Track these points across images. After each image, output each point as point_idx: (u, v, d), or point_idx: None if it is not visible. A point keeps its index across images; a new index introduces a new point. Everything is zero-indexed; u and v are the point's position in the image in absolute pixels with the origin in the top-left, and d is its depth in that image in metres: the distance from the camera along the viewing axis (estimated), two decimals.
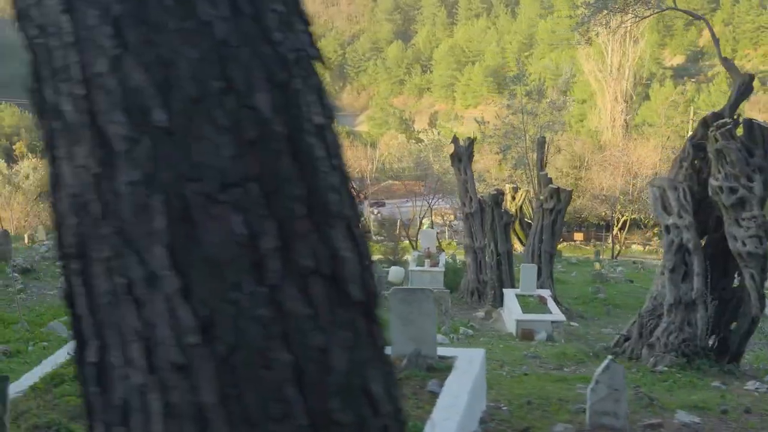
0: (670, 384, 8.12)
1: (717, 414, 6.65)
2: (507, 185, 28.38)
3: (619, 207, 39.23)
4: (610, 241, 41.48)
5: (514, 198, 27.89)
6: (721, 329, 9.64)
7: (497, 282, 17.84)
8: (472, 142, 19.44)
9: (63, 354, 6.37)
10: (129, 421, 1.52)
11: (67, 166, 1.58)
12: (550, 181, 19.43)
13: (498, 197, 18.26)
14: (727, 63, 12.30)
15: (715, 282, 9.59)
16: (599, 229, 45.61)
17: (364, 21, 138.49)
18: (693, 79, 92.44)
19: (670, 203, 9.91)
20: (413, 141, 58.90)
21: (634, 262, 32.02)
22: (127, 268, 1.51)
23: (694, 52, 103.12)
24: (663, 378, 8.49)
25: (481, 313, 16.68)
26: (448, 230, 44.05)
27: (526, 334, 13.74)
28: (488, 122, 39.16)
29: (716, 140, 9.38)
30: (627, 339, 10.25)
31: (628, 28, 30.44)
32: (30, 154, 50.66)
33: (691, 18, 64.99)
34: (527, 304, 15.02)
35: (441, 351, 6.78)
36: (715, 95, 72.62)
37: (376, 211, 43.44)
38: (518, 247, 25.96)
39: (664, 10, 18.81)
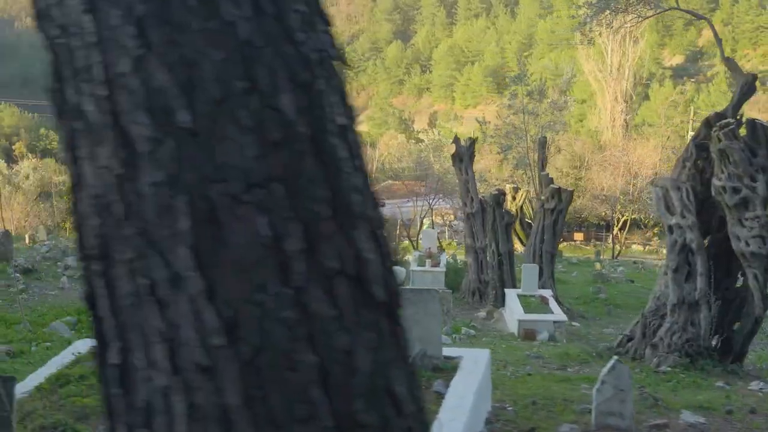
0: (674, 384, 8.12)
1: (722, 414, 6.65)
2: (507, 185, 28.36)
3: (619, 207, 39.25)
4: (610, 241, 41.50)
5: (514, 198, 27.87)
6: (725, 329, 9.64)
7: (498, 282, 17.83)
8: (473, 142, 19.44)
9: (68, 355, 6.36)
10: (152, 422, 1.52)
11: (89, 167, 1.58)
12: (551, 181, 19.43)
13: (499, 197, 18.26)
14: (730, 63, 12.31)
15: (718, 282, 9.59)
16: (599, 229, 45.65)
17: (363, 21, 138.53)
18: (692, 79, 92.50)
19: (673, 203, 9.92)
20: (413, 141, 58.90)
21: (634, 262, 32.04)
22: (150, 269, 1.50)
23: (694, 52, 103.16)
24: (667, 378, 8.49)
25: (482, 313, 16.68)
26: (448, 230, 44.06)
27: (528, 334, 13.74)
28: (489, 122, 39.16)
29: (719, 140, 9.38)
30: (630, 339, 10.25)
31: (629, 28, 30.49)
32: (30, 155, 50.70)
33: (690, 18, 65.01)
34: (529, 304, 15.02)
35: (446, 351, 6.78)
36: (715, 95, 72.67)
37: None
38: (518, 247, 25.96)
39: (667, 10, 18.82)
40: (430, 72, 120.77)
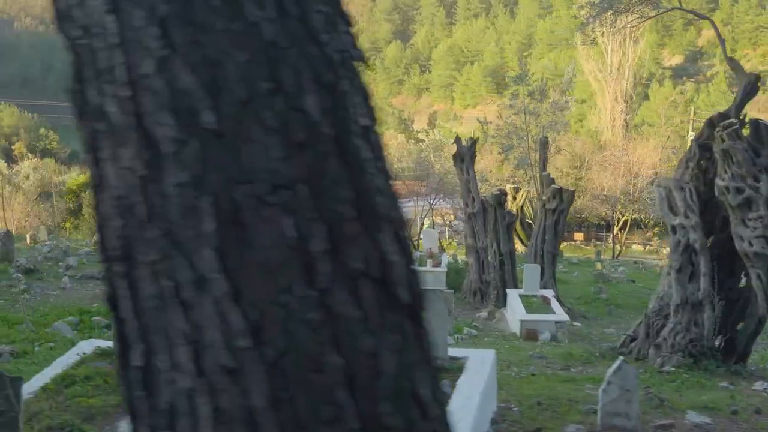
0: (678, 384, 8.12)
1: (727, 415, 6.64)
2: (508, 185, 28.38)
3: (619, 207, 39.25)
4: (610, 241, 41.50)
5: (514, 198, 27.91)
6: (728, 330, 9.64)
7: (500, 282, 17.83)
8: (474, 142, 19.44)
9: (73, 355, 6.35)
10: (176, 425, 1.51)
11: (112, 168, 1.57)
12: (552, 181, 19.43)
13: (500, 197, 18.25)
14: (733, 63, 12.31)
15: (721, 282, 9.59)
16: (599, 229, 45.67)
17: (362, 21, 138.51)
18: (692, 79, 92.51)
19: (677, 203, 9.91)
20: (413, 141, 58.91)
21: (635, 262, 32.05)
22: (174, 270, 1.49)
23: (693, 52, 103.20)
24: (670, 378, 8.48)
25: (484, 314, 16.67)
26: (448, 230, 44.06)
27: (530, 334, 13.73)
28: (491, 122, 39.16)
29: (723, 140, 9.37)
30: (633, 339, 10.24)
31: (632, 28, 30.50)
32: (29, 155, 50.67)
33: (690, 18, 65.00)
34: (531, 304, 15.02)
35: (451, 351, 6.78)
36: (715, 95, 72.75)
37: None
38: (519, 247, 25.96)
39: (670, 10, 18.81)
40: (430, 72, 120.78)
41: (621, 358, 6.25)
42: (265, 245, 1.47)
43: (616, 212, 39.46)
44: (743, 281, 9.92)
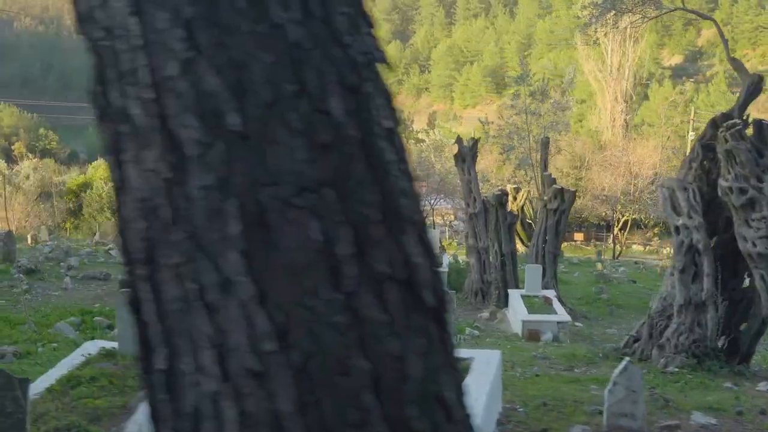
0: (682, 385, 8.11)
1: (732, 415, 6.63)
2: (508, 185, 28.37)
3: (619, 207, 39.25)
4: (610, 241, 41.50)
5: (515, 198, 27.89)
6: (731, 330, 9.63)
7: (501, 282, 17.82)
8: (476, 142, 19.43)
9: (78, 356, 6.34)
10: (201, 428, 1.50)
11: (135, 170, 1.56)
12: (554, 181, 19.42)
13: (502, 197, 18.24)
14: (736, 63, 12.30)
15: (725, 283, 9.57)
16: (599, 229, 45.68)
17: None
18: (691, 79, 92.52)
19: (680, 204, 9.90)
20: (412, 141, 58.88)
21: (635, 263, 32.05)
22: (199, 273, 1.49)
23: (693, 52, 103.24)
24: (674, 379, 8.48)
25: (485, 314, 16.66)
26: (448, 230, 44.07)
27: (532, 334, 13.72)
28: (492, 122, 39.14)
29: (726, 141, 9.36)
30: (636, 340, 10.23)
31: (635, 29, 30.52)
32: (29, 155, 50.63)
33: (689, 18, 65.01)
34: (532, 304, 15.01)
35: (457, 352, 6.76)
36: (714, 95, 72.77)
37: None
38: (519, 247, 25.95)
39: (673, 11, 18.80)
40: (429, 72, 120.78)
41: (627, 358, 6.24)
42: (291, 248, 1.46)
43: (616, 212, 39.46)
44: (746, 282, 9.92)
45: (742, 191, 9.17)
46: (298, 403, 1.44)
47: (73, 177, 45.87)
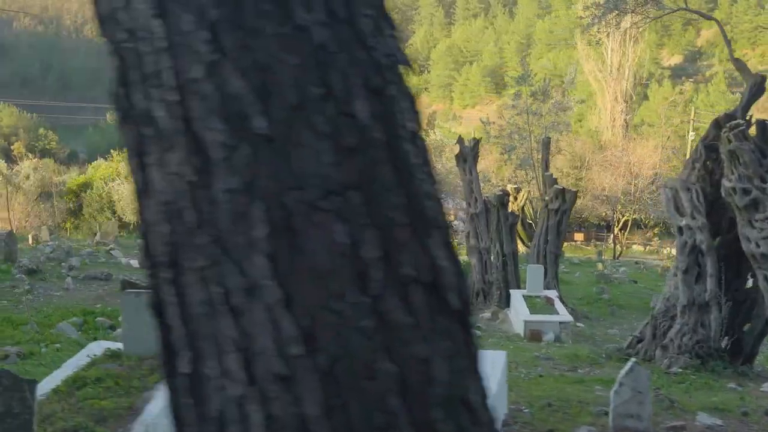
0: (687, 386, 8.11)
1: (738, 416, 6.64)
2: (509, 185, 28.38)
3: (619, 207, 39.26)
4: (610, 241, 41.52)
5: (515, 198, 27.89)
6: (735, 331, 9.63)
7: (503, 283, 17.81)
8: (477, 142, 19.42)
9: (83, 357, 6.34)
10: None
11: (158, 173, 1.55)
12: (555, 181, 19.43)
13: (503, 198, 18.24)
14: (739, 64, 12.30)
15: (728, 283, 9.57)
16: (599, 229, 45.72)
17: None
18: (691, 79, 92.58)
19: (683, 204, 9.90)
20: None
21: (636, 263, 32.06)
22: (224, 277, 1.48)
23: (692, 52, 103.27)
24: (678, 379, 8.48)
25: (487, 314, 16.66)
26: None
27: (533, 335, 13.72)
28: (493, 123, 39.13)
29: (729, 141, 9.36)
30: (640, 340, 10.23)
31: (639, 29, 30.51)
32: (29, 155, 50.59)
33: (689, 18, 65.03)
34: (534, 304, 15.00)
35: None
36: (714, 95, 72.79)
37: None
38: (520, 247, 25.95)
39: (676, 11, 18.80)
40: (429, 72, 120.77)
41: (633, 359, 6.24)
42: (317, 251, 1.45)
43: (616, 212, 39.48)
44: (750, 282, 9.92)
45: (746, 192, 9.17)
46: (325, 406, 1.43)
47: (73, 177, 45.86)
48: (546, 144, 22.41)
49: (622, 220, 40.16)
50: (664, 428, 6.10)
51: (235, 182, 1.46)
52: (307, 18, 1.51)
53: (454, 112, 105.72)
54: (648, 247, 42.86)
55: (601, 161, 42.35)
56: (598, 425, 6.09)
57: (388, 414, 1.44)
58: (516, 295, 16.00)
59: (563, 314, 14.71)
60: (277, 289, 1.44)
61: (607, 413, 6.18)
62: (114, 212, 39.14)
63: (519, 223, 25.61)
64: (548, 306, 15.09)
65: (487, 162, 41.57)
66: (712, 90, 77.87)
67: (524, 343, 12.88)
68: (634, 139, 49.33)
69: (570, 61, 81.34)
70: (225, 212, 1.47)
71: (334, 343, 1.44)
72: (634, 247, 43.48)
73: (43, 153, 60.64)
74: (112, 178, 41.04)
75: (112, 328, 11.55)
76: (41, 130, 73.20)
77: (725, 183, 9.42)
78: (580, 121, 68.69)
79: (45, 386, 5.64)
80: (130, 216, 38.17)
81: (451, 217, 45.45)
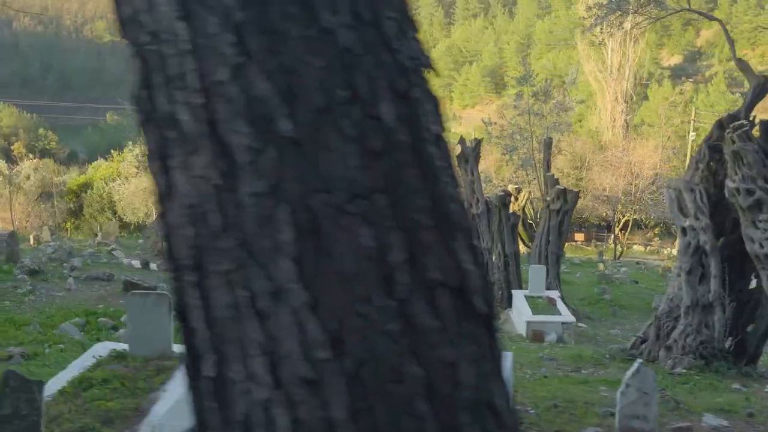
0: (691, 386, 8.10)
1: (744, 417, 6.63)
2: (510, 186, 28.36)
3: (620, 207, 39.26)
4: (611, 241, 41.51)
5: (516, 198, 27.86)
6: (739, 331, 9.62)
7: (505, 283, 17.80)
8: (479, 142, 19.41)
9: (89, 358, 6.33)
10: None
11: (182, 176, 1.55)
12: (556, 182, 19.42)
13: (505, 198, 18.22)
14: (742, 64, 12.30)
15: (732, 284, 9.56)
16: (600, 229, 45.72)
17: None
18: (691, 80, 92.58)
19: (687, 205, 9.89)
20: None
21: (637, 263, 32.06)
22: (249, 280, 1.47)
23: (692, 52, 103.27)
24: (683, 380, 8.46)
25: None
26: None
27: (536, 335, 13.70)
28: (495, 123, 39.12)
29: (733, 142, 9.35)
30: (644, 341, 10.22)
31: (641, 29, 30.52)
32: (29, 155, 50.60)
33: (688, 18, 65.01)
34: (537, 305, 14.99)
35: None
36: (714, 95, 72.79)
37: None
38: (521, 248, 25.93)
39: (679, 11, 18.78)
40: (428, 72, 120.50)
41: (639, 360, 6.22)
42: (343, 255, 1.45)
43: (616, 213, 39.48)
44: (753, 283, 9.90)
45: (750, 192, 9.16)
46: (351, 410, 1.43)
47: (73, 177, 45.85)
48: (548, 144, 22.40)
49: (623, 221, 40.16)
50: (671, 429, 6.09)
51: (261, 185, 1.46)
52: (332, 21, 1.50)
53: (453, 112, 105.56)
54: (648, 248, 42.86)
55: (602, 161, 42.33)
56: (605, 426, 6.08)
57: (416, 418, 1.44)
58: (518, 295, 15.98)
59: (565, 315, 14.70)
60: (303, 293, 1.44)
61: (613, 414, 6.17)
62: (114, 212, 39.13)
63: (520, 223, 25.60)
64: (550, 306, 15.08)
65: (487, 162, 41.55)
66: (712, 90, 77.86)
67: (527, 344, 12.87)
68: (635, 139, 49.30)
69: (570, 61, 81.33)
70: (251, 216, 1.47)
71: (360, 347, 1.44)
72: (635, 247, 43.48)
73: (43, 153, 60.65)
74: (113, 178, 41.04)
75: (115, 328, 11.54)
76: (41, 130, 73.21)
77: (729, 184, 9.41)
78: (579, 121, 68.69)
79: (51, 387, 5.63)
80: (130, 216, 38.18)
81: None
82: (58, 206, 40.67)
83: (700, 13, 20.55)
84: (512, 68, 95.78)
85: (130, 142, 43.85)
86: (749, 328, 9.71)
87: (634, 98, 66.03)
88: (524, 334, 14.06)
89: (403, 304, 1.46)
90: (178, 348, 6.64)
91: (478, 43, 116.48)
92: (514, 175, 38.27)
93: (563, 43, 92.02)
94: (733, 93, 70.19)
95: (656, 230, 42.87)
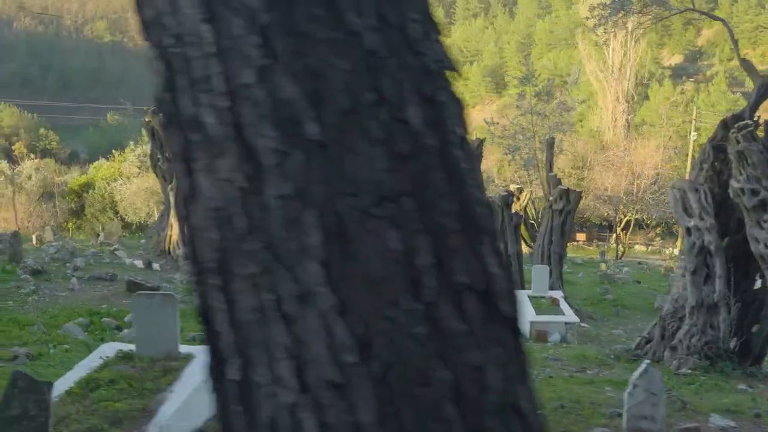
0: (697, 387, 8.10)
1: (751, 418, 6.62)
2: (512, 185, 28.36)
3: (621, 207, 39.25)
4: (612, 241, 41.50)
5: (518, 198, 27.85)
6: (744, 332, 9.61)
7: None
8: (481, 142, 19.40)
9: (95, 358, 6.33)
10: None
11: (207, 179, 1.54)
12: (559, 182, 19.41)
13: (508, 198, 18.23)
14: (746, 64, 12.29)
15: (737, 284, 9.55)
16: (601, 229, 45.71)
17: None
18: (691, 79, 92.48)
19: (691, 205, 9.89)
20: None
21: (639, 263, 32.05)
22: (275, 284, 1.47)
23: (693, 51, 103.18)
24: (688, 381, 8.46)
25: None
26: None
27: (539, 335, 13.69)
28: (497, 123, 39.12)
29: (738, 142, 9.35)
30: (648, 341, 10.22)
31: (639, 28, 30.49)
32: (30, 155, 50.62)
33: (689, 17, 64.96)
34: (540, 305, 14.98)
35: None
36: (715, 95, 72.71)
37: None
38: (523, 248, 25.92)
39: (683, 11, 18.77)
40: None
41: (647, 361, 6.22)
42: (370, 258, 1.44)
43: (618, 212, 39.47)
44: (758, 283, 9.90)
45: (754, 192, 9.16)
46: (379, 414, 1.42)
47: (74, 177, 45.86)
48: (550, 144, 22.39)
49: (624, 220, 40.14)
50: (678, 430, 6.09)
51: (288, 188, 1.45)
52: (358, 23, 1.50)
53: None
54: (650, 247, 42.85)
55: (603, 161, 42.34)
56: (612, 427, 6.07)
57: (443, 422, 1.44)
58: (521, 295, 15.97)
59: (569, 315, 14.69)
60: (330, 296, 1.43)
61: (619, 414, 6.17)
62: (116, 212, 39.14)
63: (521, 223, 25.59)
64: (554, 306, 15.07)
65: (489, 162, 41.56)
66: (712, 90, 77.75)
67: (530, 344, 12.86)
68: (636, 139, 49.30)
69: (570, 61, 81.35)
70: (277, 219, 1.46)
71: (387, 351, 1.43)
72: (636, 247, 43.47)
73: (44, 153, 60.67)
74: (114, 178, 41.05)
75: (119, 328, 11.54)
76: (42, 130, 73.23)
77: (733, 184, 9.41)
78: (580, 121, 68.67)
79: (58, 388, 5.62)
80: (132, 216, 38.20)
81: None
82: (59, 206, 40.69)
83: (705, 14, 20.55)
84: (513, 68, 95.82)
85: (132, 142, 43.86)
86: (754, 329, 9.71)
87: (635, 98, 66.02)
88: (527, 334, 14.05)
89: (431, 308, 1.45)
90: (184, 349, 6.64)
91: (479, 43, 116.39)
92: (515, 175, 38.27)
93: (564, 42, 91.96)
94: (733, 92, 70.14)
95: (658, 230, 42.87)
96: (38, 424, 4.62)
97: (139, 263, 20.12)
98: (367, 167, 1.45)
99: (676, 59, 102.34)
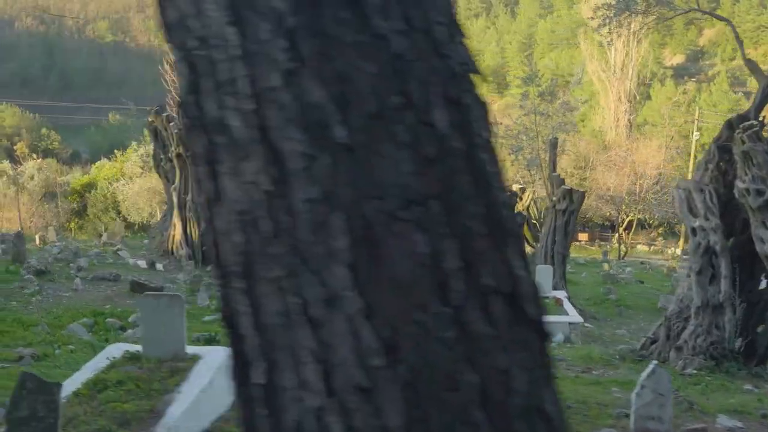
0: (703, 387, 8.09)
1: (757, 418, 6.62)
2: (515, 185, 28.37)
3: (624, 207, 39.23)
4: (615, 241, 41.48)
5: (521, 199, 27.88)
6: (749, 332, 9.61)
7: None
8: None
9: (102, 359, 6.33)
10: None
11: (231, 182, 1.54)
12: (562, 182, 19.40)
13: (512, 198, 18.23)
14: (751, 64, 12.27)
15: (742, 284, 9.55)
16: (604, 229, 45.69)
17: None
18: (693, 79, 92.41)
19: (696, 205, 9.88)
20: None
21: (641, 263, 32.05)
22: (301, 287, 1.46)
23: (694, 51, 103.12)
24: (694, 381, 8.45)
25: None
26: None
27: None
28: (500, 123, 39.09)
29: (743, 142, 9.35)
30: (653, 342, 10.21)
31: (644, 28, 30.49)
32: (32, 155, 50.64)
33: (690, 17, 64.92)
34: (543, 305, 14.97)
35: None
36: (717, 95, 72.64)
37: None
38: (526, 248, 25.93)
39: (688, 11, 18.73)
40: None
41: (654, 361, 6.22)
42: (397, 261, 1.44)
43: (620, 212, 39.44)
44: (763, 283, 9.89)
45: (759, 193, 9.16)
46: (406, 418, 1.42)
47: (76, 177, 45.89)
48: (553, 144, 22.38)
49: (627, 220, 40.12)
50: (685, 430, 6.08)
51: (315, 192, 1.45)
52: (384, 26, 1.49)
53: None
54: (652, 247, 42.83)
55: (606, 161, 42.32)
56: (619, 427, 6.07)
57: (471, 426, 1.43)
58: None
59: (573, 315, 14.70)
60: (357, 300, 1.43)
61: (626, 415, 6.17)
62: (119, 212, 39.16)
63: (524, 223, 25.59)
64: (558, 307, 15.07)
65: None
66: (714, 89, 77.67)
67: None
68: (638, 139, 49.27)
69: (572, 61, 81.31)
70: (304, 222, 1.46)
71: (415, 354, 1.43)
72: (639, 247, 43.46)
73: (46, 153, 60.69)
74: (116, 178, 41.07)
75: (123, 329, 11.55)
76: (43, 130, 73.27)
77: (739, 184, 9.40)
78: (582, 120, 68.62)
79: (66, 389, 5.61)
80: (135, 216, 38.21)
81: None
82: (62, 206, 40.71)
83: (709, 14, 20.52)
84: (514, 68, 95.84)
85: (134, 142, 43.87)
86: (759, 329, 9.70)
87: (638, 98, 65.98)
88: None
89: (458, 311, 1.45)
90: (191, 349, 6.64)
91: (480, 43, 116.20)
92: (517, 175, 38.25)
93: (565, 42, 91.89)
94: (735, 92, 70.09)
95: (660, 230, 42.85)
96: (47, 426, 4.62)
97: (142, 263, 20.13)
98: (393, 170, 1.45)
99: (678, 59, 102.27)
